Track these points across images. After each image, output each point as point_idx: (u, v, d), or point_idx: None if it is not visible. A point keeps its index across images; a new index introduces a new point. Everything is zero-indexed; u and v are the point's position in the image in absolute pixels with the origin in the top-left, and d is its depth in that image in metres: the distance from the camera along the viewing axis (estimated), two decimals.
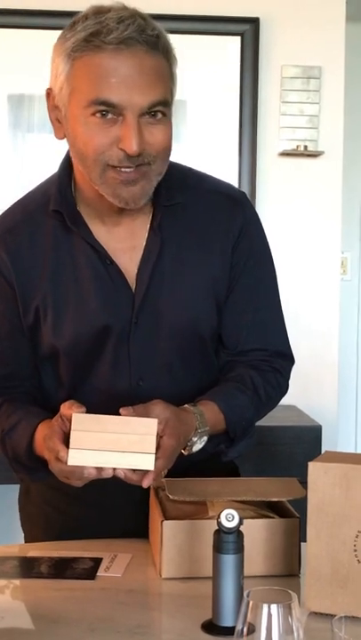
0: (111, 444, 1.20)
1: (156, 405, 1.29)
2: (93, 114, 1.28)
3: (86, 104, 1.28)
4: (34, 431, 1.40)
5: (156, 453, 1.22)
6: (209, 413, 1.40)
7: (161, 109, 1.30)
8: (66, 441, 1.23)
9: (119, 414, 1.26)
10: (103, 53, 1.26)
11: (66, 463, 1.22)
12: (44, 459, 1.34)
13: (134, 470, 1.23)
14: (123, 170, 1.30)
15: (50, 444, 1.26)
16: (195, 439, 1.37)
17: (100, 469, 1.23)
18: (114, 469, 1.23)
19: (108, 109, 1.27)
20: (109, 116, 1.28)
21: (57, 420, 1.28)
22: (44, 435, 1.33)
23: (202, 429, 1.37)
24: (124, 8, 1.30)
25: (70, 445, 1.20)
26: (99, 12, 1.29)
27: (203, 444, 1.38)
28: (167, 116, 1.32)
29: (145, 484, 1.23)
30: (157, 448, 1.23)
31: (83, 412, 1.25)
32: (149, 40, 1.27)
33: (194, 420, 1.36)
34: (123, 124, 1.28)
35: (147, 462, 1.20)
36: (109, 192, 1.33)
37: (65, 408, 1.26)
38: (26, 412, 1.45)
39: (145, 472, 1.23)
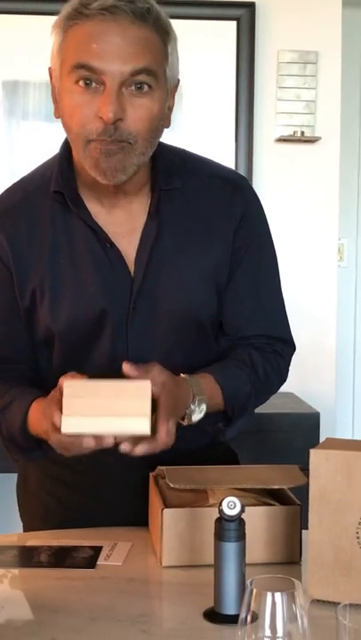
0: (105, 409, 1.18)
1: (153, 367, 1.29)
2: (77, 81, 1.28)
3: (70, 69, 1.29)
4: (27, 409, 1.39)
5: (152, 416, 1.20)
6: (205, 384, 1.39)
7: (146, 80, 1.28)
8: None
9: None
10: (89, 21, 1.27)
11: (60, 431, 1.20)
12: (38, 438, 1.33)
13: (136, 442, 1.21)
14: (103, 141, 1.29)
15: (47, 411, 1.25)
16: (193, 407, 1.36)
17: (99, 439, 1.21)
18: (115, 438, 1.21)
19: (89, 76, 1.27)
20: (93, 85, 1.28)
21: (56, 390, 1.27)
22: (42, 407, 1.31)
23: (199, 396, 1.36)
24: None
25: (63, 413, 1.18)
26: None
27: (202, 413, 1.37)
28: (154, 89, 1.30)
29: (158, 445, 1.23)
30: (155, 408, 1.22)
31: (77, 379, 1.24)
32: (137, 10, 1.27)
33: (189, 388, 1.36)
34: (103, 92, 1.27)
35: (142, 425, 1.18)
36: (91, 164, 1.32)
37: (65, 379, 1.25)
38: (20, 391, 1.44)
39: (149, 441, 1.21)
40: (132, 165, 1.33)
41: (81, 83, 1.28)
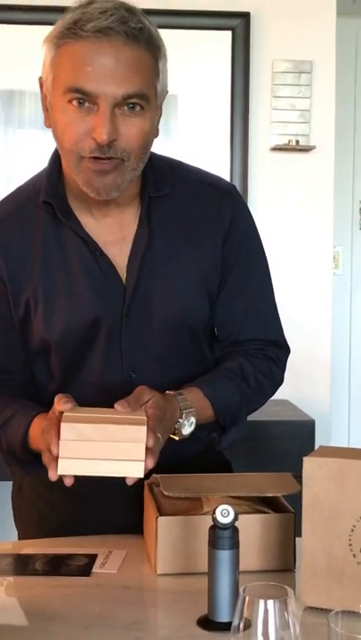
0: (100, 451, 1.19)
1: (143, 391, 1.30)
2: (70, 101, 1.29)
3: (63, 91, 1.30)
4: (29, 424, 1.40)
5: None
6: (192, 397, 1.40)
7: (138, 102, 1.30)
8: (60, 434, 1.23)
9: (111, 406, 1.25)
10: (82, 41, 1.28)
11: (55, 472, 1.21)
12: (37, 452, 1.33)
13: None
14: (96, 160, 1.30)
15: (46, 436, 1.26)
16: (181, 421, 1.37)
17: None
18: None
19: (83, 97, 1.28)
20: (86, 104, 1.29)
21: (53, 412, 1.28)
22: (42, 427, 1.32)
23: (187, 410, 1.37)
24: (112, 1, 1.31)
25: (60, 455, 1.19)
26: (88, 3, 1.31)
27: (192, 426, 1.39)
28: (146, 109, 1.32)
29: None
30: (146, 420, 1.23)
31: (71, 407, 1.25)
32: (130, 31, 1.28)
33: (177, 403, 1.37)
34: (96, 113, 1.29)
35: (136, 470, 1.20)
36: (83, 181, 1.34)
37: (57, 402, 1.27)
38: (20, 406, 1.45)
39: None
40: (124, 182, 1.34)
41: (74, 102, 1.29)
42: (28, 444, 1.41)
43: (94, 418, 1.22)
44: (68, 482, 1.22)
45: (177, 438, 1.38)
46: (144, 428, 1.20)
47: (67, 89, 1.29)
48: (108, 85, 1.27)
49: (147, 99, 1.31)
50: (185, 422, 1.38)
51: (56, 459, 1.20)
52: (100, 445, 1.19)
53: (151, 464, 1.21)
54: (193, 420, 1.39)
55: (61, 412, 1.25)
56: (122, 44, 1.27)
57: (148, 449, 1.20)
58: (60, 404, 1.26)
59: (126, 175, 1.33)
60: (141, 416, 1.24)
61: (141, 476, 1.20)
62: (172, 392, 1.39)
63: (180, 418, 1.37)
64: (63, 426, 1.20)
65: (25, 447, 1.41)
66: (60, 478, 1.22)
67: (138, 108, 1.30)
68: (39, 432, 1.33)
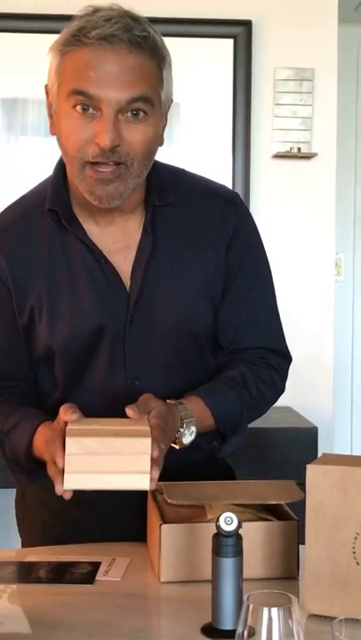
0: (106, 465, 1.19)
1: (149, 399, 1.30)
2: (74, 106, 1.30)
3: (67, 95, 1.31)
4: (34, 433, 1.40)
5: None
6: (193, 407, 1.40)
7: (141, 107, 1.30)
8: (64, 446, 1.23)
9: (115, 414, 1.26)
10: (87, 48, 1.29)
11: (62, 485, 1.20)
12: (42, 460, 1.34)
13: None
14: (100, 169, 1.31)
15: (51, 447, 1.26)
16: (182, 430, 1.37)
17: None
18: None
19: (86, 102, 1.29)
20: (90, 110, 1.29)
21: (58, 422, 1.28)
22: (46, 436, 1.32)
23: (187, 419, 1.38)
24: (118, 9, 1.32)
25: (65, 470, 1.19)
26: (93, 11, 1.32)
27: (192, 435, 1.39)
28: (149, 116, 1.32)
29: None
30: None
31: (77, 417, 1.25)
32: (134, 39, 1.28)
33: (177, 411, 1.37)
34: (100, 118, 1.29)
35: (142, 482, 1.20)
36: (86, 189, 1.34)
37: (63, 413, 1.26)
38: (25, 414, 1.45)
39: None
40: (127, 190, 1.35)
41: (78, 108, 1.30)
42: (32, 453, 1.41)
43: (98, 431, 1.22)
44: (68, 495, 1.22)
45: (178, 447, 1.38)
46: (149, 440, 1.20)
47: (70, 92, 1.30)
48: (112, 90, 1.28)
49: (150, 103, 1.31)
50: (186, 432, 1.38)
51: (62, 472, 1.20)
52: (105, 459, 1.19)
53: (156, 474, 1.21)
54: (194, 429, 1.39)
55: (66, 423, 1.25)
56: (126, 52, 1.28)
57: (152, 459, 1.20)
58: (67, 414, 1.26)
59: (129, 183, 1.34)
60: (144, 426, 1.24)
61: (147, 488, 1.20)
62: (172, 401, 1.39)
63: (181, 427, 1.37)
64: (68, 440, 1.19)
65: (29, 455, 1.41)
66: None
67: (142, 114, 1.31)
68: (43, 441, 1.33)
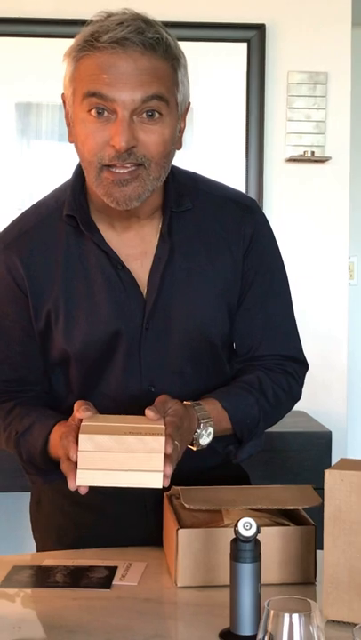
0: (119, 462, 1.19)
1: (166, 400, 1.31)
2: (89, 110, 1.30)
3: (82, 98, 1.31)
4: (49, 432, 1.40)
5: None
6: (210, 409, 1.40)
7: (156, 106, 1.30)
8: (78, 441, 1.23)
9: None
10: (99, 52, 1.29)
11: (74, 481, 1.21)
12: (57, 460, 1.34)
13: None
14: (116, 170, 1.31)
15: (65, 442, 1.26)
16: (199, 431, 1.37)
17: None
18: None
19: (101, 104, 1.29)
20: (105, 114, 1.29)
21: (73, 419, 1.28)
22: (60, 433, 1.33)
23: (204, 420, 1.38)
24: (131, 13, 1.32)
25: (78, 466, 1.20)
26: (106, 16, 1.32)
27: (210, 437, 1.39)
28: (165, 116, 1.32)
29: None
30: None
31: (92, 414, 1.26)
32: (147, 42, 1.28)
33: (194, 412, 1.37)
34: (115, 121, 1.29)
35: (155, 480, 1.20)
36: (103, 192, 1.34)
37: (77, 409, 1.27)
38: (40, 414, 1.45)
39: None
40: (146, 192, 1.34)
41: (93, 112, 1.30)
42: (48, 452, 1.41)
43: (112, 428, 1.22)
44: (83, 490, 1.23)
45: (195, 449, 1.38)
46: (162, 439, 1.20)
47: (84, 95, 1.30)
48: (125, 91, 1.28)
49: (166, 102, 1.31)
50: (203, 432, 1.38)
51: (75, 467, 1.20)
52: (118, 456, 1.19)
53: (169, 471, 1.21)
54: (211, 430, 1.39)
55: (81, 420, 1.25)
56: (139, 54, 1.28)
57: (166, 456, 1.20)
58: (80, 411, 1.27)
59: (147, 184, 1.34)
60: (159, 424, 1.24)
61: (160, 486, 1.20)
62: (189, 402, 1.39)
63: (198, 428, 1.37)
64: (81, 437, 1.20)
65: (45, 455, 1.42)
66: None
67: (157, 114, 1.30)
68: (59, 439, 1.34)
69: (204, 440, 1.38)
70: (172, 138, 1.35)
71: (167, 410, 1.29)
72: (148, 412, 1.26)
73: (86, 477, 1.20)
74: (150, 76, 1.29)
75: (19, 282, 1.45)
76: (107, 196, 1.34)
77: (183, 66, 1.36)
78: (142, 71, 1.28)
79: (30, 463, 1.47)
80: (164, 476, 1.20)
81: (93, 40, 1.29)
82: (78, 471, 1.20)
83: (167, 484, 1.21)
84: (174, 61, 1.33)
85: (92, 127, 1.31)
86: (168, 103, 1.32)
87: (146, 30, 1.29)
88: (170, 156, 1.37)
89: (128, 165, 1.31)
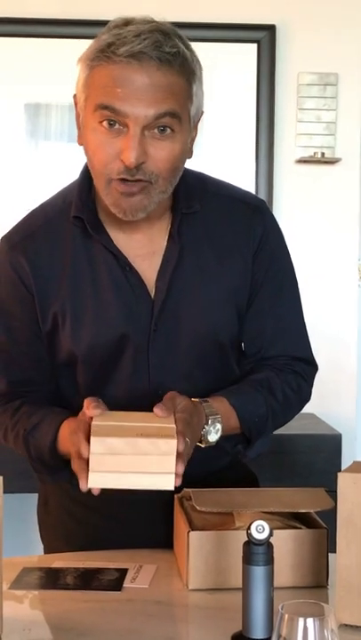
0: (131, 465, 1.19)
1: (175, 396, 1.31)
2: (101, 121, 1.29)
3: (93, 109, 1.30)
4: (58, 428, 1.40)
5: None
6: (218, 406, 1.39)
7: (168, 123, 1.29)
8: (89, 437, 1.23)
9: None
10: (115, 65, 1.27)
11: (86, 482, 1.20)
12: (67, 457, 1.33)
13: None
14: (125, 184, 1.30)
15: (75, 438, 1.25)
16: (207, 427, 1.36)
17: None
18: None
19: (113, 117, 1.28)
20: (116, 126, 1.28)
21: (83, 414, 1.28)
22: (70, 428, 1.32)
23: (212, 416, 1.37)
24: (148, 22, 1.30)
25: (90, 469, 1.19)
26: (123, 24, 1.30)
27: (218, 433, 1.37)
28: (176, 132, 1.31)
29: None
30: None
31: (102, 412, 1.25)
32: (163, 57, 1.27)
33: (202, 408, 1.36)
34: (126, 135, 1.28)
35: (167, 482, 1.19)
36: (111, 202, 1.34)
37: (87, 407, 1.26)
38: (48, 411, 1.45)
39: None
40: (151, 204, 1.34)
41: (105, 123, 1.29)
42: (57, 449, 1.40)
43: (124, 429, 1.22)
44: (96, 492, 1.22)
45: (203, 446, 1.37)
46: (174, 441, 1.20)
47: (97, 106, 1.29)
48: (138, 106, 1.26)
49: (178, 119, 1.30)
50: (211, 429, 1.37)
51: (86, 466, 1.20)
52: (130, 459, 1.19)
53: (181, 470, 1.20)
54: (219, 426, 1.38)
55: (91, 418, 1.25)
56: (154, 69, 1.27)
57: (177, 454, 1.20)
58: (90, 408, 1.26)
59: (154, 197, 1.33)
60: (170, 424, 1.23)
61: (172, 488, 1.20)
62: (197, 400, 1.38)
63: (206, 424, 1.36)
64: (93, 440, 1.19)
65: (54, 452, 1.41)
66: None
67: (168, 130, 1.29)
68: (68, 435, 1.33)
69: (213, 437, 1.37)
70: (181, 153, 1.34)
71: (176, 406, 1.28)
72: (156, 409, 1.25)
73: (98, 480, 1.19)
74: (165, 93, 1.28)
75: (25, 282, 1.44)
76: (114, 206, 1.34)
77: (199, 78, 1.34)
78: (157, 87, 1.27)
79: (39, 461, 1.46)
80: (176, 475, 1.20)
81: (109, 52, 1.27)
82: (90, 474, 1.19)
83: (179, 484, 1.20)
84: (190, 75, 1.32)
85: (103, 138, 1.30)
86: (180, 119, 1.31)
87: (163, 44, 1.27)
88: (178, 169, 1.36)
89: (136, 180, 1.30)
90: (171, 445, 1.19)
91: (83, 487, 1.21)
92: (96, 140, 1.31)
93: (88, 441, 1.20)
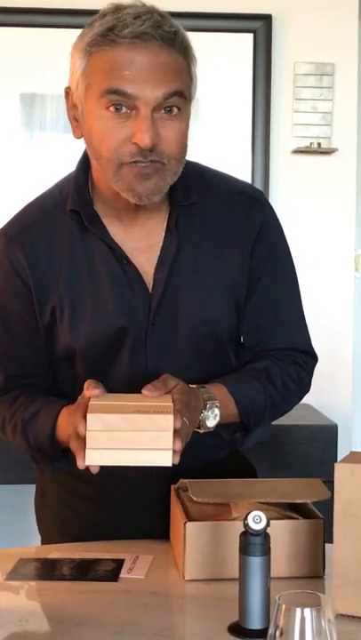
0: (128, 441, 1.18)
1: (168, 377, 1.30)
2: (107, 107, 1.28)
3: (100, 95, 1.28)
4: (57, 415, 1.39)
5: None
6: (216, 392, 1.39)
7: (176, 102, 1.29)
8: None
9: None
10: (119, 47, 1.27)
11: (83, 460, 1.20)
12: (66, 445, 1.33)
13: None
14: (137, 165, 1.29)
15: (72, 418, 1.25)
16: (205, 412, 1.36)
17: None
18: None
19: (121, 101, 1.27)
20: (123, 110, 1.28)
21: (83, 397, 1.28)
22: (68, 412, 1.32)
23: (210, 401, 1.37)
24: (142, 5, 1.30)
25: (87, 446, 1.19)
26: (117, 9, 1.30)
27: (216, 419, 1.37)
28: (183, 111, 1.31)
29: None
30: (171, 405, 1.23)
31: (100, 392, 1.25)
32: (165, 36, 1.27)
33: (200, 394, 1.36)
34: (136, 117, 1.27)
35: (164, 458, 1.19)
36: (124, 187, 1.32)
37: (86, 388, 1.26)
38: (47, 401, 1.45)
39: None
40: (166, 186, 1.33)
41: (111, 108, 1.28)
42: (56, 437, 1.40)
43: (121, 407, 1.22)
44: (94, 470, 1.22)
45: (202, 431, 1.37)
46: (171, 417, 1.19)
47: (104, 91, 1.28)
48: (147, 88, 1.26)
49: (184, 98, 1.30)
50: (209, 414, 1.36)
51: (84, 445, 1.19)
52: (127, 435, 1.18)
53: (179, 447, 1.20)
54: (217, 412, 1.37)
55: (90, 398, 1.25)
56: (158, 49, 1.27)
57: (175, 432, 1.19)
58: (89, 389, 1.26)
59: (167, 179, 1.32)
60: (167, 402, 1.23)
61: (169, 464, 1.19)
62: (195, 385, 1.38)
63: (204, 409, 1.36)
64: (90, 416, 1.19)
65: (53, 440, 1.40)
66: (87, 467, 1.22)
67: (175, 110, 1.29)
68: (67, 417, 1.33)
69: (211, 422, 1.37)
70: (187, 132, 1.34)
71: (170, 387, 1.28)
72: (144, 390, 1.25)
73: (95, 457, 1.19)
74: (171, 72, 1.28)
75: (22, 276, 1.43)
76: (128, 191, 1.32)
77: (193, 57, 1.35)
78: (163, 66, 1.27)
79: (38, 450, 1.46)
80: (174, 452, 1.19)
81: (112, 34, 1.26)
82: (87, 450, 1.19)
83: (177, 462, 1.19)
84: (187, 54, 1.32)
85: (111, 124, 1.28)
86: (186, 99, 1.31)
87: (163, 24, 1.27)
88: (186, 150, 1.36)
89: (150, 162, 1.29)
90: (168, 421, 1.19)
91: (80, 465, 1.21)
92: (103, 126, 1.29)
93: (85, 419, 1.20)
